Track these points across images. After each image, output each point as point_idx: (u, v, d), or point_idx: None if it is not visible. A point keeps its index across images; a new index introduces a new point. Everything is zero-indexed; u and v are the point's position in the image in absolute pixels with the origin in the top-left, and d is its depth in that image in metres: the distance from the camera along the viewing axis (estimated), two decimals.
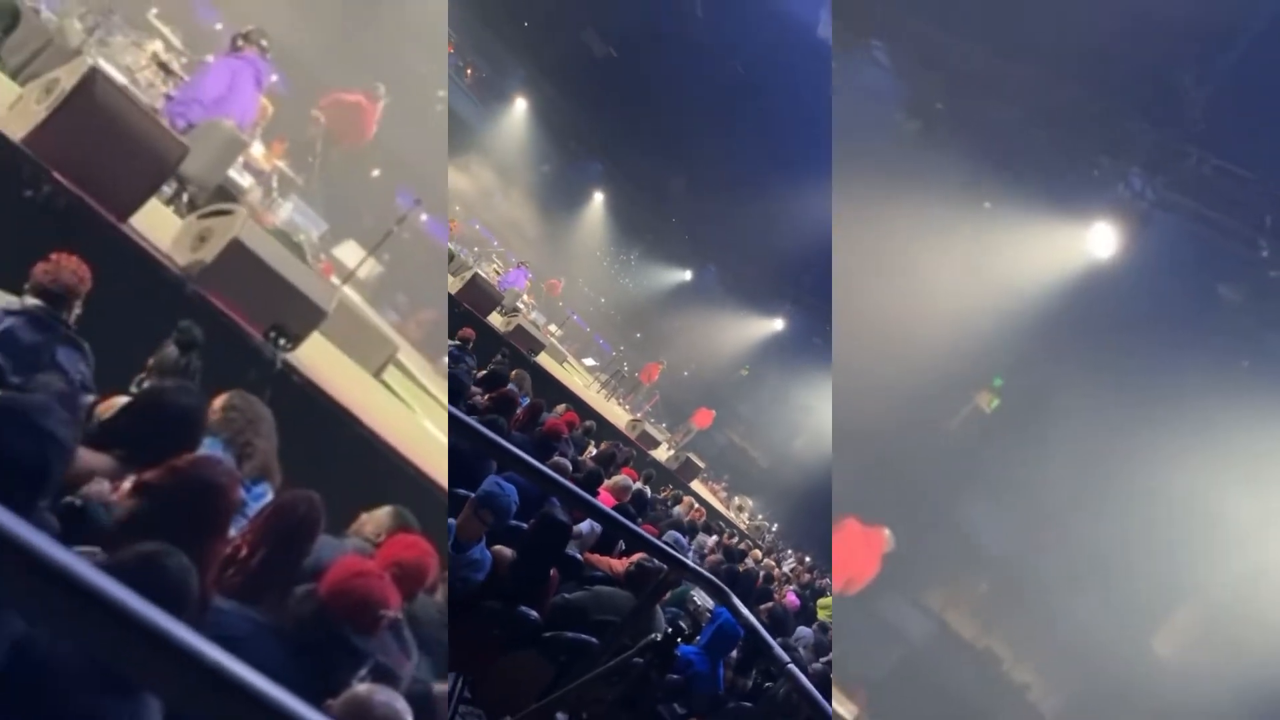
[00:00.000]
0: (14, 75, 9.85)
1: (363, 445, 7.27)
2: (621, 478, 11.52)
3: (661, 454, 24.54)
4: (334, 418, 7.33)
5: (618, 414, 26.50)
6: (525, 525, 6.96)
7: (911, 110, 19.71)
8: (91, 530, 3.42)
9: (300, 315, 7.38)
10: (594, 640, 5.88)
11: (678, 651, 4.22)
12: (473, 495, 6.03)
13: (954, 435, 21.22)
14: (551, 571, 6.64)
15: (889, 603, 22.38)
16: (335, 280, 12.50)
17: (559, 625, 6.32)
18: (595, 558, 8.57)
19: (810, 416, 36.95)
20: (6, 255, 5.23)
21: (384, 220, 16.27)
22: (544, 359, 20.35)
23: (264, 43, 11.26)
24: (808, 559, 25.94)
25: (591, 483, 10.11)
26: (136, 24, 14.16)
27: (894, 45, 20.23)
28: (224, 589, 3.82)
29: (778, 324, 41.06)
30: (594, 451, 14.54)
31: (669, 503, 16.95)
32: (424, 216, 22.30)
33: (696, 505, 20.72)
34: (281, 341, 7.11)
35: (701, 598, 8.85)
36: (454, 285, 18.44)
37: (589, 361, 35.33)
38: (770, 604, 12.16)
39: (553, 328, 30.17)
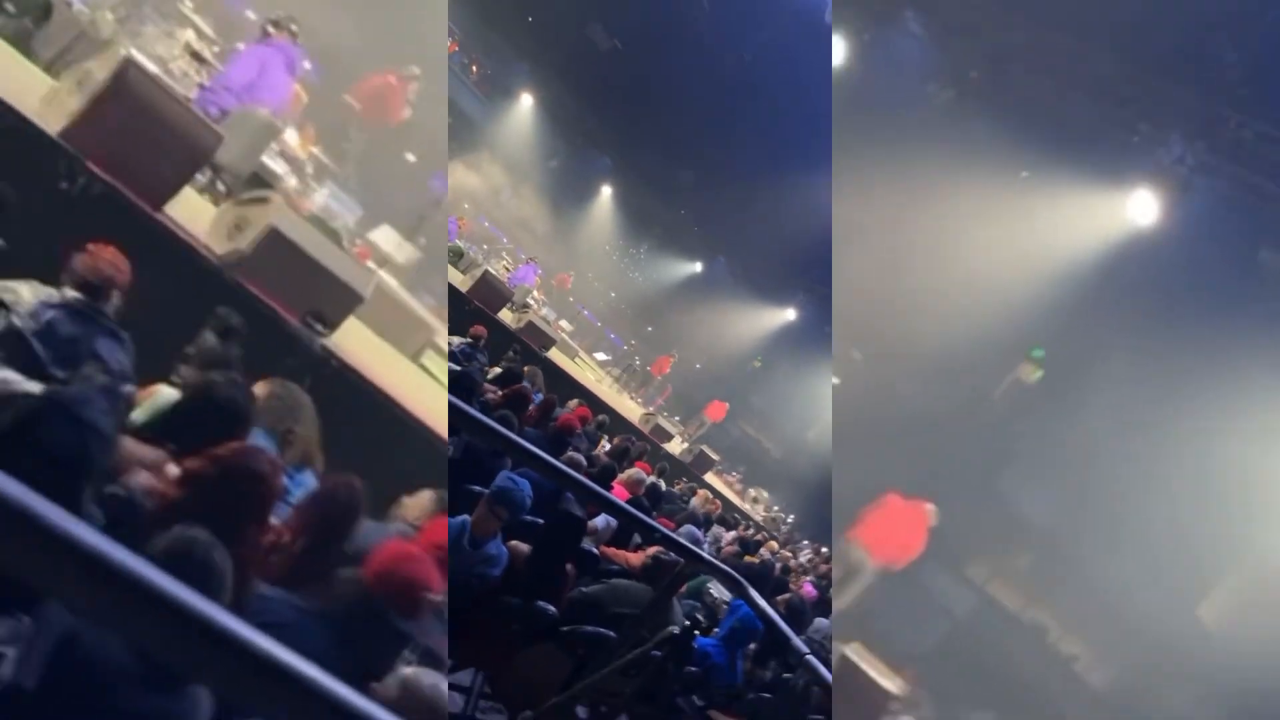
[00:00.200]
0: (47, 68, 9.90)
1: (403, 429, 7.29)
2: (635, 471, 11.53)
3: (675, 447, 24.62)
4: (373, 402, 7.35)
5: (630, 408, 26.66)
6: (540, 520, 6.98)
7: (944, 80, 19.59)
8: (135, 520, 3.43)
9: (338, 301, 7.40)
10: (611, 634, 5.88)
11: (695, 644, 4.22)
12: (486, 491, 6.04)
13: (996, 407, 21.13)
14: (568, 566, 6.64)
15: (933, 577, 22.31)
16: (371, 265, 12.54)
17: (576, 619, 6.34)
18: (611, 551, 8.58)
19: (824, 407, 36.86)
20: (45, 247, 5.25)
21: (419, 205, 16.31)
22: (555, 354, 20.44)
23: (294, 28, 11.25)
24: (824, 550, 25.94)
25: (605, 477, 10.14)
26: (168, 13, 14.20)
27: (928, 14, 20.11)
28: (268, 576, 3.84)
29: (789, 314, 40.94)
30: (607, 446, 14.55)
31: (684, 497, 16.93)
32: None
33: (712, 498, 20.75)
34: (319, 327, 7.14)
35: (718, 590, 8.85)
36: (464, 283, 18.48)
37: (600, 356, 35.47)
38: (787, 595, 12.14)
39: (564, 323, 30.27)
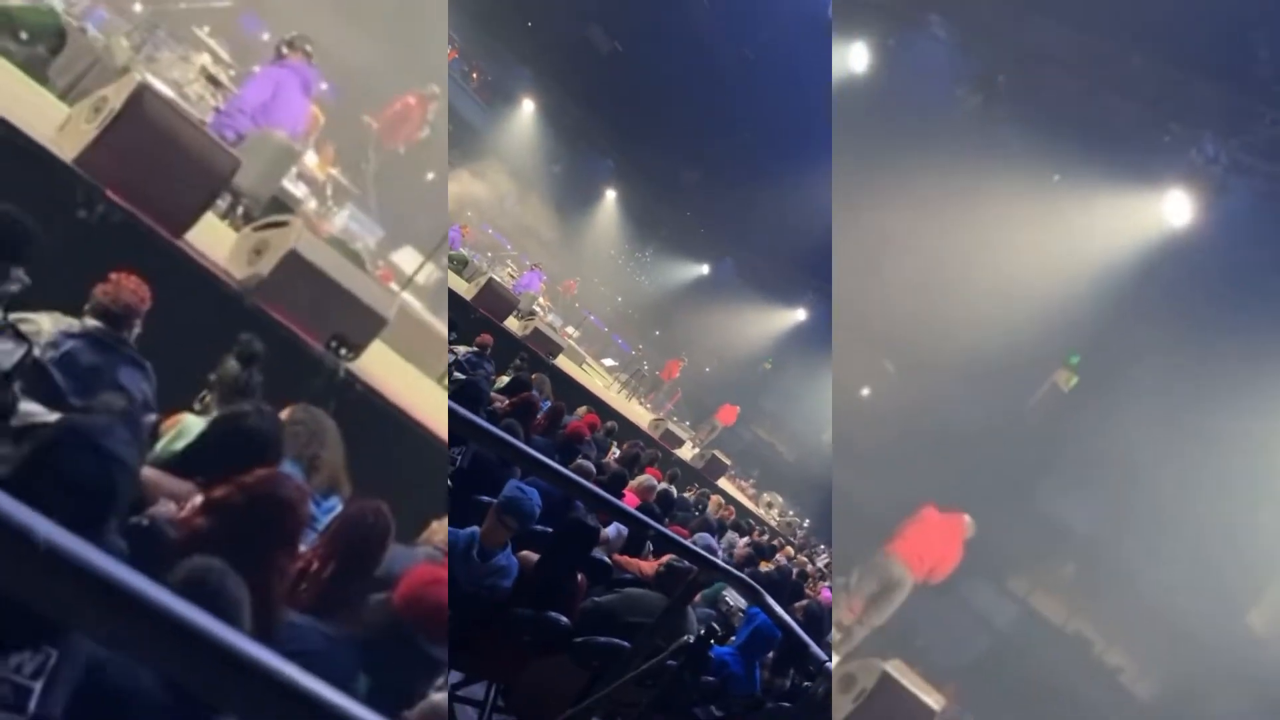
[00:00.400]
0: (63, 95, 9.96)
1: (430, 452, 7.28)
2: (646, 478, 11.53)
3: (686, 453, 24.58)
4: (399, 426, 7.35)
5: (640, 414, 26.67)
6: (550, 529, 6.97)
7: (971, 84, 19.55)
8: (161, 550, 3.43)
9: (361, 324, 7.41)
10: (625, 644, 5.86)
11: (712, 653, 4.20)
12: (495, 502, 6.04)
13: (1032, 415, 21.05)
14: (580, 576, 6.63)
15: (973, 590, 22.22)
16: (394, 287, 12.56)
17: (589, 630, 6.32)
18: (624, 560, 8.57)
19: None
20: (64, 276, 5.27)
21: (441, 224, 16.34)
22: (563, 361, 20.47)
23: (308, 48, 11.27)
24: None
25: (616, 484, 10.14)
26: (183, 38, 14.29)
27: (952, 18, 20.09)
28: (297, 603, 3.84)
29: (799, 314, 40.95)
30: (617, 453, 14.54)
31: (701, 508, 16.88)
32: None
33: (725, 504, 20.69)
34: (343, 351, 7.15)
35: (734, 597, 8.82)
36: (469, 291, 18.49)
37: (608, 362, 35.52)
38: (804, 601, 12.11)
39: (570, 329, 30.43)
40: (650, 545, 9.27)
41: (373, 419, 7.20)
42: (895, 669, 8.61)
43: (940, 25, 20.40)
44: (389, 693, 3.69)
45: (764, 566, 13.80)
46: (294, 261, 7.02)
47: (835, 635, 12.41)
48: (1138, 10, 16.48)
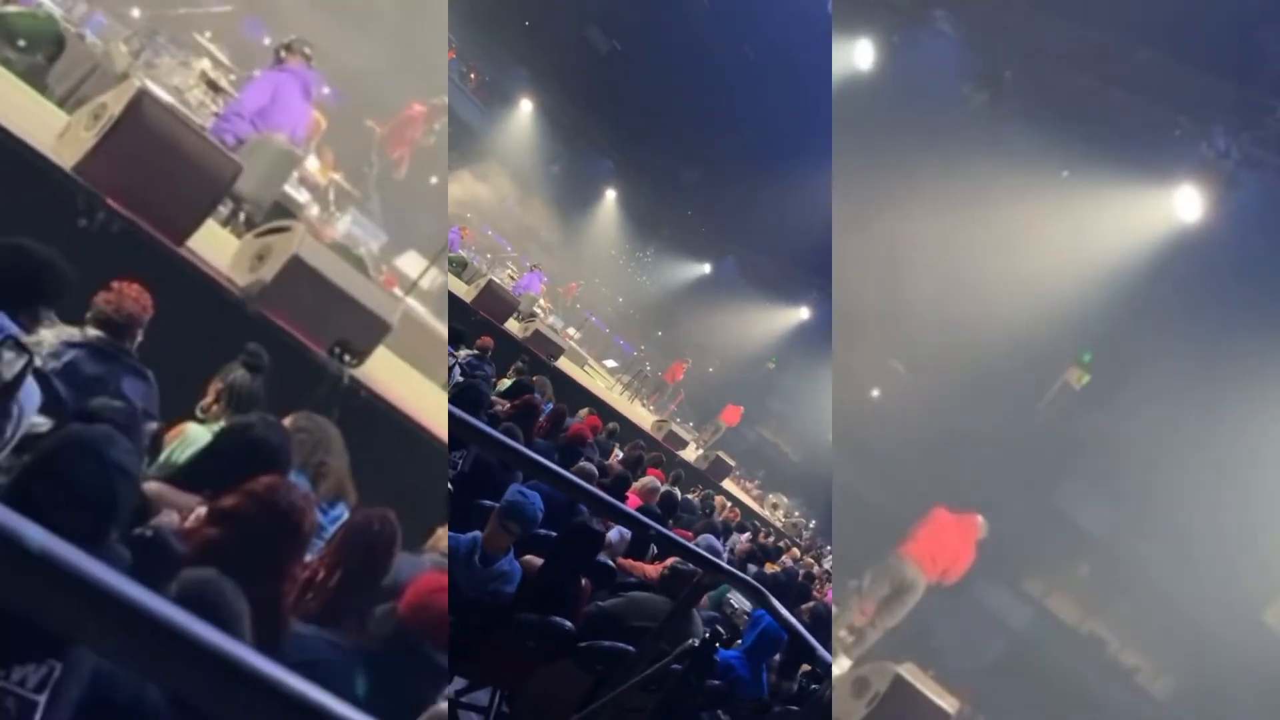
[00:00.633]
0: (61, 103, 9.97)
1: (436, 459, 7.28)
2: (649, 479, 11.52)
3: (690, 454, 24.49)
4: (405, 432, 7.35)
5: (642, 415, 26.65)
6: (553, 534, 6.96)
7: (978, 81, 19.53)
8: (166, 561, 3.43)
9: (364, 330, 7.40)
10: (630, 648, 5.85)
11: (719, 656, 4.20)
12: (497, 506, 6.03)
13: (1044, 414, 21.03)
14: (584, 580, 6.62)
15: (987, 592, 22.20)
16: (398, 292, 12.57)
17: (594, 634, 6.31)
18: (628, 563, 8.57)
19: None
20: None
21: (445, 228, 16.35)
22: (564, 363, 20.47)
23: (307, 51, 11.24)
24: None
25: (619, 487, 10.15)
26: (183, 43, 14.31)
27: (958, 14, 20.08)
28: (303, 613, 3.83)
29: (803, 313, 41.00)
30: (620, 455, 14.53)
31: (709, 510, 16.84)
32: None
33: (731, 506, 20.66)
34: (347, 358, 7.14)
35: (739, 600, 8.81)
36: (469, 293, 18.47)
37: (610, 363, 35.51)
38: (811, 603, 12.11)
39: (571, 331, 30.42)
40: (654, 548, 9.26)
41: (377, 426, 7.20)
42: (909, 672, 8.60)
43: (946, 21, 20.40)
44: (396, 702, 3.68)
45: (769, 568, 13.79)
46: (297, 267, 7.02)
47: (847, 638, 12.39)
48: (1145, 4, 16.48)
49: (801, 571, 15.08)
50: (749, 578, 5.03)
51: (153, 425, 4.98)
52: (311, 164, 14.45)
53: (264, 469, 4.13)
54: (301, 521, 3.67)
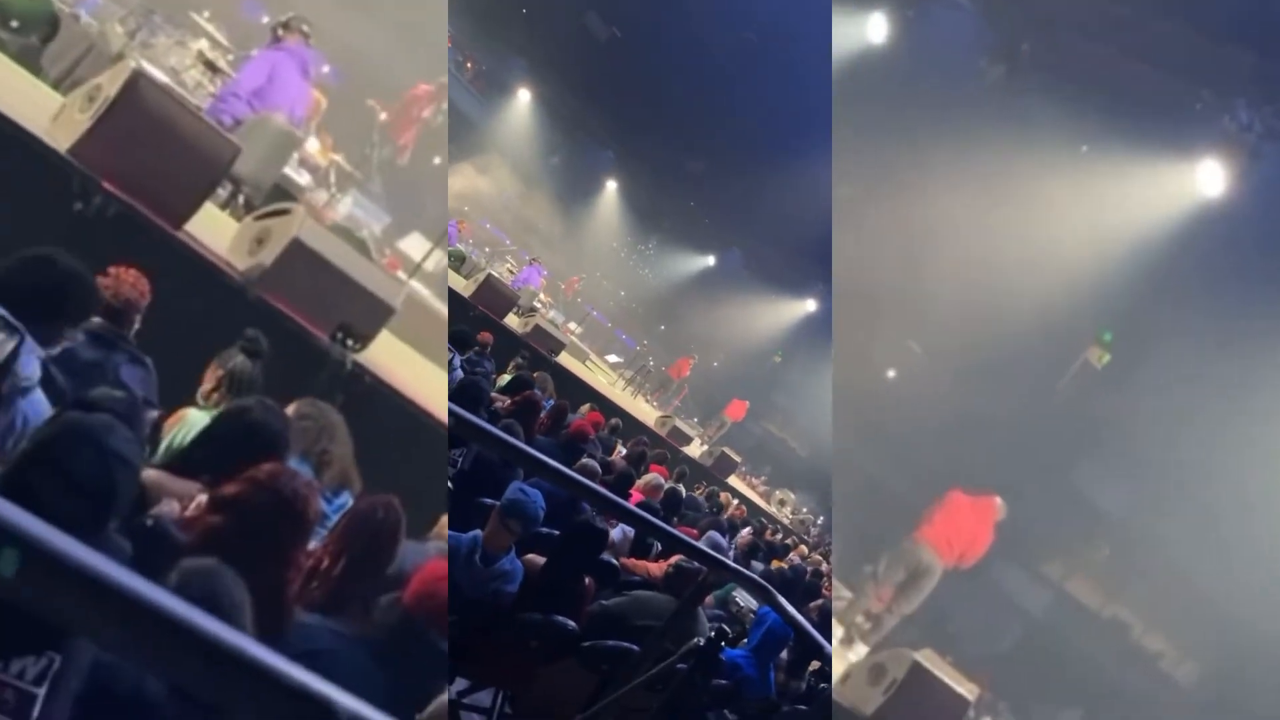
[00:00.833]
0: (56, 85, 9.97)
1: (441, 445, 7.29)
2: (652, 476, 11.51)
3: (694, 450, 24.47)
4: (410, 418, 7.36)
5: (646, 411, 26.62)
6: (556, 532, 6.97)
7: (995, 55, 19.48)
8: (168, 551, 3.43)
9: (367, 314, 7.40)
10: (635, 647, 5.86)
11: (725, 655, 4.20)
12: (497, 504, 6.05)
13: (1064, 394, 21.00)
14: (587, 579, 6.62)
15: (1006, 576, 22.19)
16: (402, 275, 12.57)
17: (598, 634, 6.33)
18: (631, 562, 8.58)
19: None
20: None
21: (447, 210, 16.32)
22: (565, 358, 20.38)
23: (305, 29, 11.17)
24: None
25: (623, 484, 10.18)
26: (180, 23, 14.27)
27: None
28: (307, 602, 3.85)
29: (810, 305, 40.78)
30: (623, 451, 14.54)
31: (717, 509, 16.83)
32: None
33: (738, 503, 20.64)
34: (350, 342, 7.14)
35: (744, 598, 8.82)
36: (467, 288, 18.42)
37: (612, 358, 35.32)
38: (819, 601, 12.14)
39: (572, 325, 30.37)
40: (658, 546, 9.27)
41: (382, 411, 7.20)
42: (926, 658, 8.59)
43: None
44: (402, 692, 3.69)
45: (775, 565, 13.79)
46: (297, 251, 7.02)
47: (864, 624, 12.41)
48: None
49: (809, 569, 15.07)
50: (755, 575, 5.04)
51: (153, 414, 4.98)
52: (312, 145, 14.43)
53: (262, 453, 4.14)
54: (305, 509, 3.68)
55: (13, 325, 3.82)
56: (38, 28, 10.44)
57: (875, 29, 20.65)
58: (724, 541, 11.09)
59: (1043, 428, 20.79)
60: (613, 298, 42.76)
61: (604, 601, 6.83)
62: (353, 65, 18.54)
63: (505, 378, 13.44)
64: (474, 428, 3.80)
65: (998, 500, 12.29)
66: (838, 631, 12.56)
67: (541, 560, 6.37)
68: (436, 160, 21.51)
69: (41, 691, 2.51)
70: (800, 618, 4.71)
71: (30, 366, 3.97)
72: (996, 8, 19.81)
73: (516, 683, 6.28)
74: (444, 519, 5.40)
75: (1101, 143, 17.93)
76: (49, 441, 2.96)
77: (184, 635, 1.31)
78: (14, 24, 10.18)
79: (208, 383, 5.41)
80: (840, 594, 14.17)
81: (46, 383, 4.19)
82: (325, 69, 15.02)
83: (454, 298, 16.89)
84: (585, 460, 9.62)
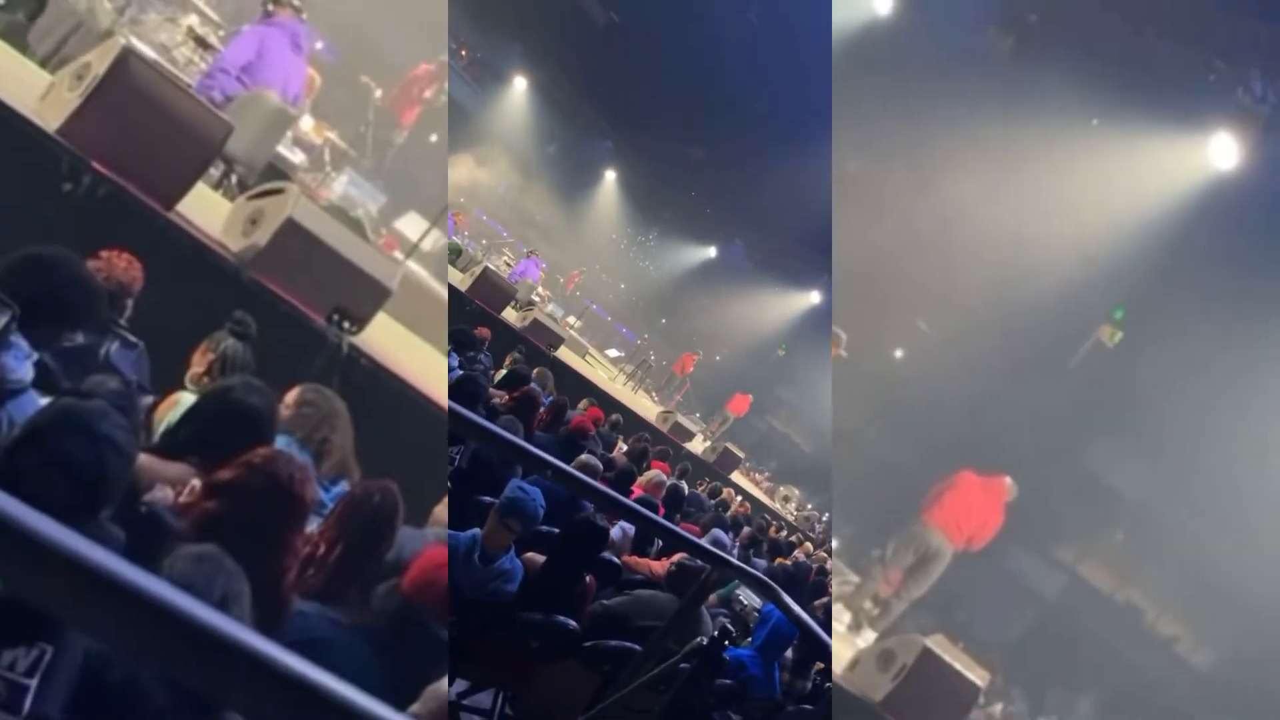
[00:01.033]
0: (44, 63, 9.94)
1: (439, 428, 7.28)
2: (654, 473, 11.54)
3: (697, 446, 24.45)
4: (408, 402, 7.35)
5: (647, 407, 26.60)
6: (556, 530, 6.97)
7: (1004, 25, 19.44)
8: (162, 539, 3.44)
9: (364, 295, 7.39)
10: (637, 647, 5.86)
11: (730, 654, 4.20)
12: (497, 502, 6.04)
13: (1076, 372, 21.01)
14: (588, 578, 6.63)
15: (1017, 560, 22.23)
16: (399, 255, 12.56)
17: (599, 633, 6.33)
18: (634, 560, 8.58)
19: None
20: None
21: (446, 188, 16.31)
22: (564, 353, 20.40)
23: (297, 3, 11.11)
24: (875, 552, 25.71)
25: (624, 481, 10.19)
26: None
27: None
28: (303, 590, 3.85)
29: (814, 297, 40.57)
30: (624, 448, 14.54)
31: (724, 507, 16.83)
32: None
33: (741, 500, 20.64)
34: (346, 325, 7.14)
35: (748, 596, 8.82)
36: (463, 282, 18.36)
37: (613, 353, 35.47)
38: (825, 599, 12.16)
39: (571, 319, 30.33)
40: (659, 543, 9.27)
41: (379, 395, 7.20)
42: (937, 644, 8.61)
43: None
44: (401, 680, 3.69)
45: (779, 562, 13.80)
46: (292, 231, 7.01)
47: (872, 609, 12.42)
48: None
49: (815, 566, 15.08)
50: (759, 573, 5.04)
51: (148, 399, 4.98)
52: (306, 123, 14.43)
53: (246, 433, 4.14)
54: (302, 492, 3.68)
55: (4, 301, 3.82)
56: (25, 4, 10.43)
57: (881, 0, 20.60)
58: (727, 539, 11.10)
59: (1054, 406, 20.81)
60: (612, 290, 42.64)
61: (605, 601, 6.83)
62: (347, 41, 18.52)
63: (503, 373, 13.41)
64: (472, 425, 3.81)
65: (1008, 480, 12.29)
66: (845, 617, 12.60)
67: (541, 559, 6.37)
68: (433, 138, 21.50)
69: (33, 683, 2.52)
70: (805, 615, 4.72)
71: (21, 369, 3.97)
72: None
73: (517, 684, 6.29)
74: (443, 502, 5.40)
75: (1112, 116, 17.91)
76: (40, 428, 2.96)
77: (176, 626, 1.30)
78: (0, 0, 10.17)
79: (197, 366, 5.38)
80: (847, 579, 14.19)
81: (41, 381, 4.19)
82: (319, 45, 14.99)
83: (450, 292, 16.87)
84: (585, 457, 9.60)
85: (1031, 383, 20.88)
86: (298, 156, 13.93)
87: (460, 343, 12.52)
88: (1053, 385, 20.97)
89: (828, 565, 16.55)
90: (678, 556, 7.51)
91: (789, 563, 13.72)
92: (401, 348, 8.58)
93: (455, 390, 9.12)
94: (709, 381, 38.33)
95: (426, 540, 4.61)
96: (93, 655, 2.63)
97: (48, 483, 2.81)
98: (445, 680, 3.67)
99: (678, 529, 5.46)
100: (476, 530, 5.89)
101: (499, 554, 5.86)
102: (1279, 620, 18.41)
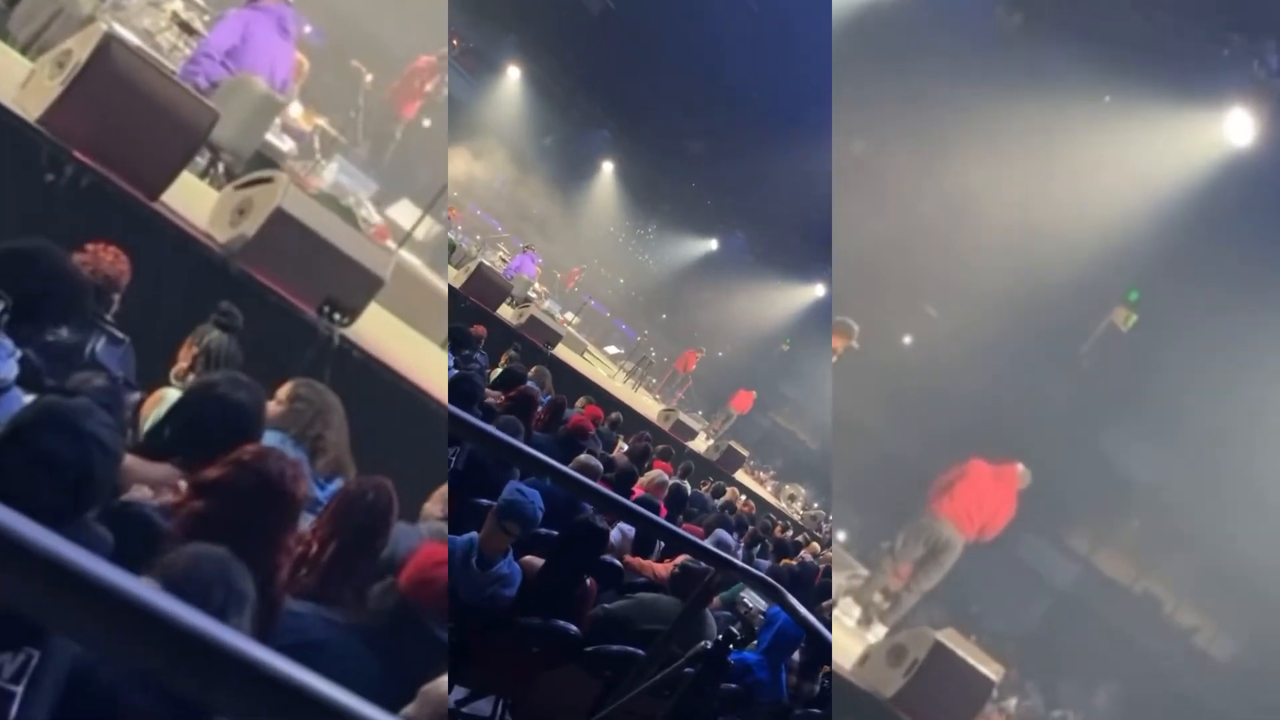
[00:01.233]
0: (24, 49, 9.92)
1: (434, 422, 7.28)
2: (656, 473, 11.51)
3: (700, 444, 24.40)
4: (402, 395, 7.35)
5: (648, 404, 26.59)
6: (555, 532, 6.96)
7: (1010, 3, 19.42)
8: (150, 540, 3.43)
9: (355, 286, 7.39)
10: (639, 651, 5.85)
11: (736, 658, 4.20)
12: (494, 505, 6.02)
13: (1089, 356, 21.01)
14: (589, 580, 6.62)
15: (1031, 550, 22.24)
16: (391, 244, 12.56)
17: (601, 637, 6.31)
18: (636, 561, 8.58)
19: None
20: None
21: (440, 175, 16.31)
22: (562, 350, 20.36)
23: None
24: (884, 544, 25.70)
25: (625, 481, 10.20)
26: None
27: None
28: (296, 590, 3.85)
29: (819, 290, 40.25)
30: (624, 447, 14.54)
31: (730, 509, 16.81)
32: None
33: (745, 499, 20.62)
34: (337, 316, 7.14)
35: (753, 598, 8.83)
36: (457, 278, 18.30)
37: (612, 349, 35.34)
38: (832, 600, 12.16)
39: (569, 315, 30.24)
40: (661, 545, 9.27)
41: (372, 389, 7.19)
42: (949, 638, 8.62)
43: None
44: (399, 681, 3.69)
45: (784, 562, 13.79)
46: (281, 221, 7.00)
47: (882, 603, 12.45)
48: None
49: (822, 567, 15.08)
50: (764, 575, 5.04)
51: (134, 396, 4.97)
52: (295, 109, 14.41)
53: (233, 430, 4.13)
54: (293, 490, 3.68)
55: None
56: None
57: None
58: (731, 540, 11.10)
59: (1068, 391, 20.80)
60: (611, 285, 42.41)
61: (607, 605, 6.82)
62: (336, 25, 18.48)
63: (498, 372, 13.38)
64: (469, 426, 3.80)
65: (1020, 467, 12.29)
66: (854, 611, 12.61)
67: (540, 562, 6.36)
68: (427, 123, 21.49)
69: (20, 689, 2.52)
70: (812, 618, 4.71)
71: (4, 367, 3.97)
72: None
73: (517, 690, 6.26)
74: (431, 497, 5.41)
75: (1124, 93, 17.89)
76: (23, 426, 2.96)
77: (163, 630, 1.30)
78: None
79: (182, 360, 5.35)
80: (856, 572, 14.19)
81: (25, 379, 4.18)
82: (307, 29, 14.97)
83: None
84: (585, 457, 9.58)
85: (1044, 367, 20.89)
86: (286, 144, 13.91)
87: (455, 341, 12.50)
88: (1066, 370, 20.98)
89: None
90: (681, 558, 7.51)
91: (795, 563, 13.71)
92: (395, 339, 8.58)
93: (451, 390, 9.10)
94: (711, 378, 38.15)
95: (421, 536, 4.61)
96: (80, 661, 2.63)
97: (31, 482, 2.81)
98: (442, 680, 3.66)
99: (680, 530, 5.46)
100: (474, 534, 5.87)
101: (497, 558, 5.84)
102: None
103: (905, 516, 12.82)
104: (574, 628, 6.12)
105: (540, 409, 11.07)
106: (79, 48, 6.73)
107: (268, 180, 7.38)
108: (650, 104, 36.43)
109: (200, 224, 7.18)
